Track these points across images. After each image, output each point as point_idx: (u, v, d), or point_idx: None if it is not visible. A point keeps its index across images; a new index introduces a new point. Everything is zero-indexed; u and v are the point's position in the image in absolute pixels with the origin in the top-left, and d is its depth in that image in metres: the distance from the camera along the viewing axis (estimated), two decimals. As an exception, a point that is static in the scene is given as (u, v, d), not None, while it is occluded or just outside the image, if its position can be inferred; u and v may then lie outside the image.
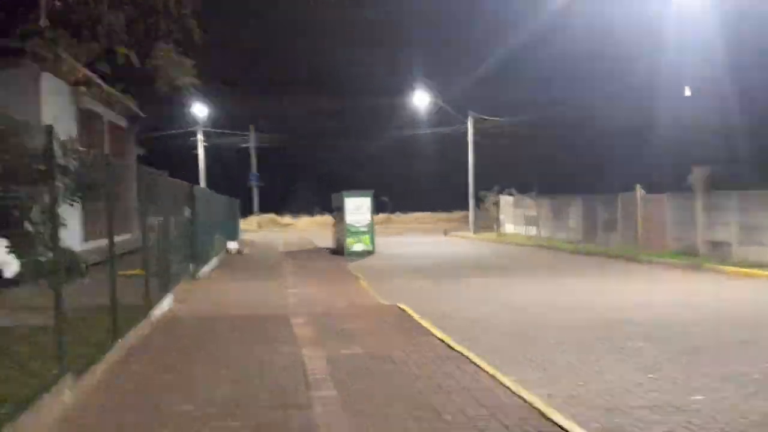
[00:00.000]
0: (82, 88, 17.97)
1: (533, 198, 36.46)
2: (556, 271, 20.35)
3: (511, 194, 39.99)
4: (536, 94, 55.87)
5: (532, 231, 35.44)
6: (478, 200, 43.10)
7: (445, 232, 42.70)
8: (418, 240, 39.15)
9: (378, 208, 48.82)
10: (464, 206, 57.16)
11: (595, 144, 63.51)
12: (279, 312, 12.67)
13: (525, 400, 7.24)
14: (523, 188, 41.09)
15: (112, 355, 8.95)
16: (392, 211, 61.66)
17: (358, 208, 27.87)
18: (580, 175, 63.15)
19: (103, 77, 18.89)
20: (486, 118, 42.98)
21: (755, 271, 18.14)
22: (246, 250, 29.19)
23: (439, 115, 51.59)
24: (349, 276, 19.13)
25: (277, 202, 68.38)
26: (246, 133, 57.49)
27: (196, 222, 18.92)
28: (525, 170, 66.98)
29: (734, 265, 19.36)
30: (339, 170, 73.59)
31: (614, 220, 27.60)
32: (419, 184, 74.43)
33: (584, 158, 63.43)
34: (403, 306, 13.04)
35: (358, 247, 27.74)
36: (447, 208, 61.87)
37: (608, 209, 28.09)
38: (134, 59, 17.42)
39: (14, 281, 6.95)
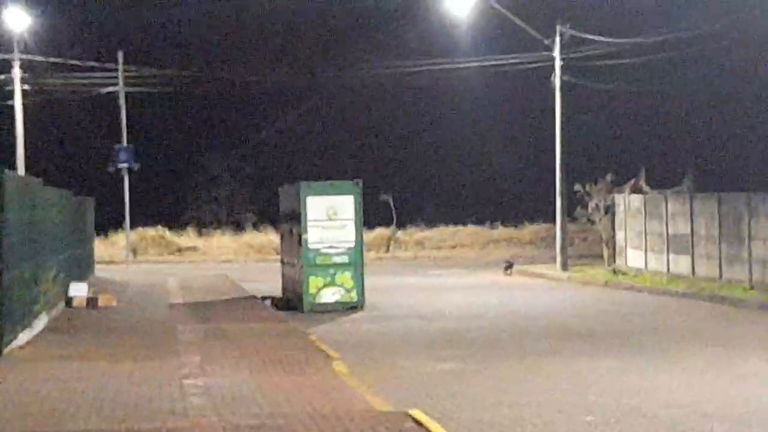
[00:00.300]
0: None
1: (684, 197, 36.37)
2: (725, 346, 20.35)
3: (639, 190, 39.88)
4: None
5: (681, 264, 35.37)
6: (573, 204, 42.97)
7: (508, 267, 42.60)
8: (450, 281, 39.15)
9: (371, 217, 48.67)
10: (542, 216, 57.21)
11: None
12: (169, 426, 12.66)
13: None
14: (659, 180, 40.89)
15: None
16: (399, 224, 61.68)
17: (330, 215, 28.11)
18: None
19: None
20: (591, 38, 42.88)
21: None
22: (107, 300, 29.16)
23: (494, 35, 51.50)
24: (314, 353, 19.16)
25: (171, 204, 68.58)
26: (111, 67, 57.44)
27: (5, 244, 18.91)
28: (660, 147, 67.38)
29: None
30: (298, 142, 74.04)
31: None
32: (453, 172, 74.76)
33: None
34: (418, 416, 12.95)
35: (329, 295, 28.03)
36: (510, 218, 61.90)
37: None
38: None
39: None
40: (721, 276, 32.86)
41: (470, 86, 64.53)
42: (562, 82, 42.64)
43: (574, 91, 43.82)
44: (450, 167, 75.12)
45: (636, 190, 40.11)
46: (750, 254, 31.45)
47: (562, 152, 42.76)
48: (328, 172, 53.35)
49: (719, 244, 33.25)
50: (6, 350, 18.70)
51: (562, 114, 42.75)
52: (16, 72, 50.05)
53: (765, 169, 60.41)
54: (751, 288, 30.43)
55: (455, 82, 62.22)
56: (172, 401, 14.30)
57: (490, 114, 71.77)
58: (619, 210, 40.56)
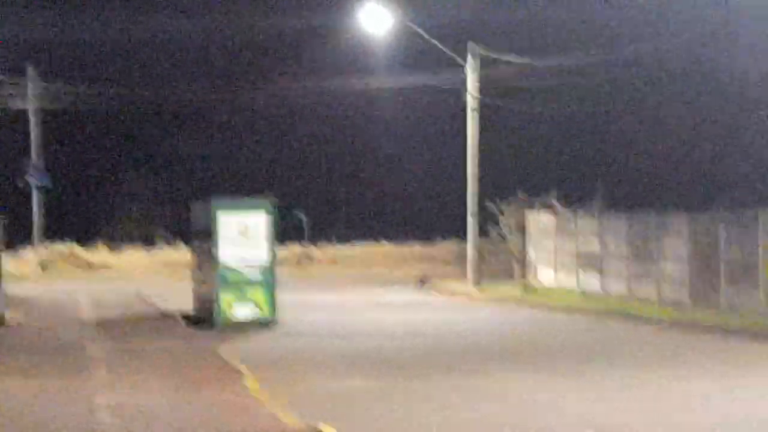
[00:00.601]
0: None
1: (594, 216, 36.75)
2: (637, 363, 20.61)
3: (550, 208, 40.23)
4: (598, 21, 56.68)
5: (592, 281, 35.72)
6: (485, 220, 43.21)
7: (421, 283, 42.70)
8: (364, 298, 39.15)
9: (285, 233, 48.48)
10: (455, 233, 57.40)
11: (710, 118, 64.70)
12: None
13: None
14: (570, 199, 41.34)
15: None
16: (313, 241, 61.64)
17: (243, 232, 28.02)
18: (678, 178, 64.49)
19: None
20: (506, 60, 43.21)
21: None
22: (14, 316, 28.81)
23: (410, 54, 51.69)
24: (225, 370, 19.13)
25: (82, 220, 67.83)
26: (17, 80, 56.81)
27: None
28: (571, 166, 68.20)
29: None
30: (211, 160, 73.76)
31: (752, 262, 27.85)
32: (367, 189, 74.84)
33: (687, 144, 64.73)
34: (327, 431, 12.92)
35: (242, 311, 27.90)
36: (423, 235, 62.09)
37: (739, 240, 28.33)
38: None
39: None
40: (630, 293, 33.26)
41: (386, 104, 64.78)
42: (477, 101, 42.89)
43: (487, 110, 44.10)
44: (364, 184, 75.19)
45: (547, 208, 40.47)
46: (658, 272, 31.87)
47: (475, 170, 42.95)
48: (241, 189, 53.17)
49: (628, 261, 33.66)
50: None
51: (477, 136, 42.95)
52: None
53: (673, 189, 61.28)
54: (660, 305, 30.81)
55: (371, 101, 62.44)
56: (81, 419, 14.15)
57: (406, 132, 72.03)
58: (531, 228, 40.89)
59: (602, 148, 70.29)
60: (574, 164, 68.73)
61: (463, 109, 43.41)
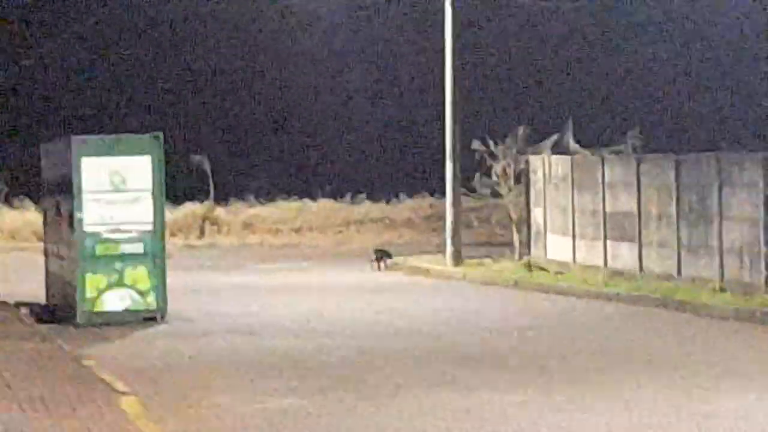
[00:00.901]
0: None
1: (628, 160, 36.76)
2: (697, 375, 20.61)
3: (565, 149, 40.23)
4: None
5: (624, 255, 35.72)
6: (471, 168, 43.21)
7: (379, 259, 42.75)
8: (294, 280, 39.57)
9: (179, 187, 48.17)
10: (426, 187, 57.62)
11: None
12: None
13: None
14: (586, 135, 41.43)
15: None
16: (219, 198, 61.63)
17: (117, 184, 28.12)
18: (738, 109, 65.26)
19: None
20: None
21: None
22: None
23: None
24: (92, 386, 19.12)
25: None
26: None
27: None
28: (590, 92, 68.50)
29: None
30: (66, 80, 73.63)
31: None
32: (299, 126, 74.89)
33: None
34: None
35: (116, 300, 28.07)
36: (380, 190, 62.23)
37: None
38: None
39: None
40: (680, 272, 33.18)
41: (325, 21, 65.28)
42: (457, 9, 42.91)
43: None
44: (294, 120, 75.29)
45: (560, 149, 40.39)
46: (721, 241, 31.75)
47: (455, 98, 42.87)
48: (116, 126, 53.06)
49: (678, 226, 33.57)
50: None
51: (454, 46, 42.92)
52: None
53: (733, 128, 62.13)
54: (722, 289, 30.72)
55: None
56: None
57: (354, 47, 72.40)
58: (537, 178, 40.72)
59: (635, 69, 71.24)
60: (593, 90, 69.33)
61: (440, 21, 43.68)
